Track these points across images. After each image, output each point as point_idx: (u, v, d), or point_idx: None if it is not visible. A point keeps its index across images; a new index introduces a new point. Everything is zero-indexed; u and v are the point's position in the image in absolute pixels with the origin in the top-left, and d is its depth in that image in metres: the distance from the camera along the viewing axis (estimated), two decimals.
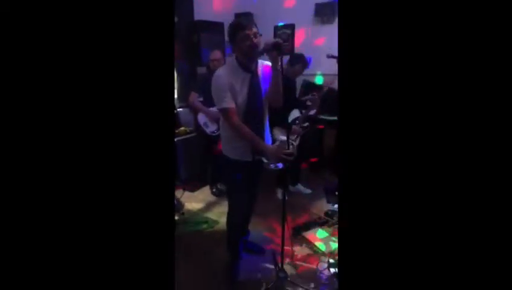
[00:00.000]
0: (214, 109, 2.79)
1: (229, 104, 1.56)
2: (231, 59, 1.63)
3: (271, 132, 1.95)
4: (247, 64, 1.58)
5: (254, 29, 1.52)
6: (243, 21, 1.59)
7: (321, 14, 3.58)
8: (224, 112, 1.60)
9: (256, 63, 1.63)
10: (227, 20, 3.77)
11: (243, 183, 1.74)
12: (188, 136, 3.14)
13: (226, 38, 1.65)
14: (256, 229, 2.37)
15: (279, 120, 2.24)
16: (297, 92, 3.19)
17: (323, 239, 2.32)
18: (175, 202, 2.73)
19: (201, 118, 2.90)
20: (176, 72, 3.78)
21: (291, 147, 2.29)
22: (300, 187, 3.16)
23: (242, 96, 1.58)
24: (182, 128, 3.18)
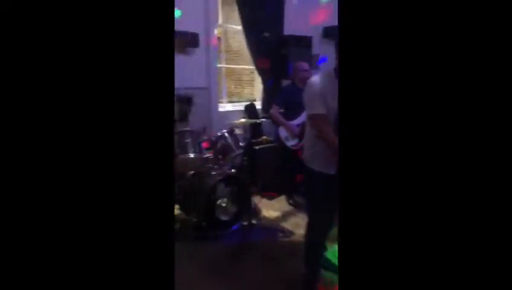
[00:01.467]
0: (293, 123, 2.87)
1: (319, 110, 1.54)
2: (328, 68, 1.61)
3: None
4: None
5: None
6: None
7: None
8: (313, 117, 1.58)
9: None
10: (316, 34, 3.86)
11: (326, 200, 1.64)
12: (268, 145, 3.24)
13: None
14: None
15: None
16: None
17: None
18: (253, 207, 2.82)
19: (283, 132, 3.00)
20: (262, 84, 3.95)
21: None
22: None
23: (335, 104, 1.52)
24: (264, 137, 3.30)
